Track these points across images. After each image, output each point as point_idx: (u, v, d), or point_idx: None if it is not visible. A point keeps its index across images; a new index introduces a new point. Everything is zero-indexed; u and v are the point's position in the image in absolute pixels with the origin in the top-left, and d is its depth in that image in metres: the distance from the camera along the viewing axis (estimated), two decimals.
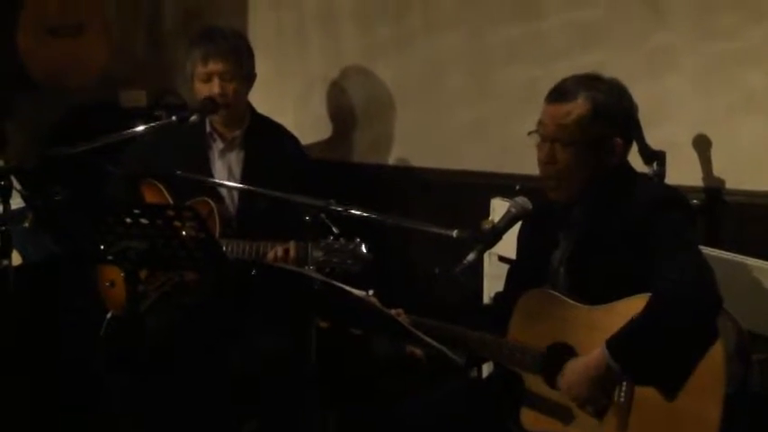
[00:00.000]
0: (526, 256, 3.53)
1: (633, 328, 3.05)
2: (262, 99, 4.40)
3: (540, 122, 3.31)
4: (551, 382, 3.23)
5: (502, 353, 3.32)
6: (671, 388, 3.04)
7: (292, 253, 3.89)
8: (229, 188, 4.16)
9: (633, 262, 3.16)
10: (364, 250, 3.66)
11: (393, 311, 3.38)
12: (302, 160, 4.36)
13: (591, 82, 3.28)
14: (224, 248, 3.91)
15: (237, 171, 4.28)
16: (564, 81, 3.32)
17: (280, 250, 3.91)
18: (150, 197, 4.20)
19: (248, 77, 4.27)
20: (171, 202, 4.14)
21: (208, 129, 4.27)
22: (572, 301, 3.26)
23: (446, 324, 3.36)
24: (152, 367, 3.92)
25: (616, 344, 3.06)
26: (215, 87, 4.15)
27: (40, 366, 4.53)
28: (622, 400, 3.10)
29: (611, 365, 3.06)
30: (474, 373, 3.81)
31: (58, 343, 4.70)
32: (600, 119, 3.24)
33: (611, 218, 3.25)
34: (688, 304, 3.02)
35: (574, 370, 3.14)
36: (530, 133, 3.32)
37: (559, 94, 3.28)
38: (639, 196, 3.24)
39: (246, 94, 4.30)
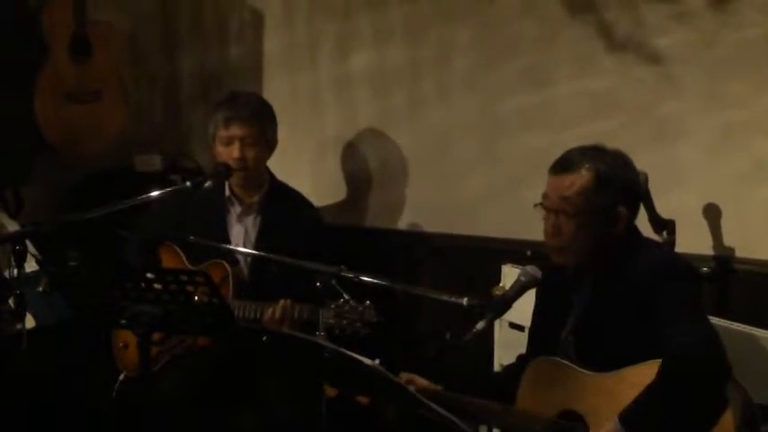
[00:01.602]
0: (540, 322, 3.54)
1: (645, 401, 3.03)
2: (276, 162, 4.42)
3: (545, 195, 3.32)
4: None
5: (511, 422, 3.32)
6: None
7: (281, 313, 3.91)
8: (243, 254, 4.18)
9: (640, 329, 3.16)
10: (374, 313, 3.67)
11: (405, 375, 3.40)
12: (318, 229, 4.38)
13: (594, 153, 3.30)
14: (236, 312, 3.94)
15: (253, 235, 4.30)
16: (567, 153, 3.34)
17: (278, 311, 3.93)
18: (167, 260, 4.23)
19: (269, 144, 4.30)
20: (187, 264, 4.17)
21: (227, 192, 4.30)
22: (579, 369, 3.26)
23: (455, 393, 3.37)
24: (163, 429, 3.93)
25: (629, 417, 3.03)
26: (234, 152, 4.18)
27: (54, 428, 4.53)
28: None
29: None
30: None
31: (71, 404, 4.70)
32: (602, 189, 3.25)
33: (618, 286, 3.25)
34: (697, 371, 3.01)
35: None
36: (535, 206, 3.34)
37: (562, 165, 3.30)
38: (645, 264, 3.24)
39: (266, 160, 4.34)
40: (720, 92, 4.14)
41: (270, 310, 3.94)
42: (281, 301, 3.93)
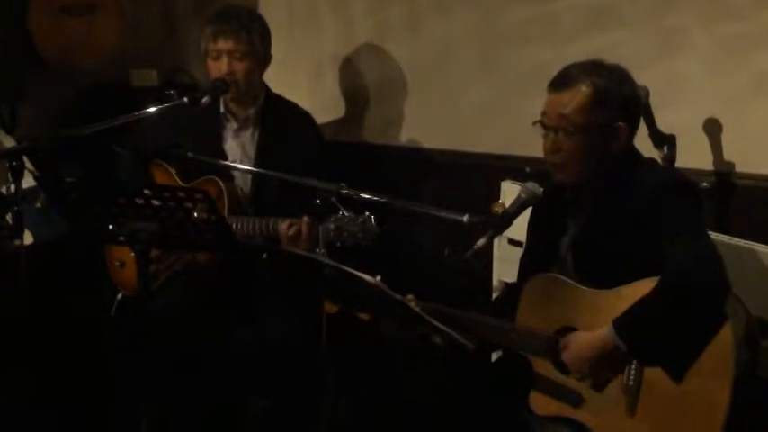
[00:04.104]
0: (536, 241, 3.53)
1: (641, 310, 3.05)
2: (273, 79, 4.40)
3: (544, 112, 3.31)
4: (560, 367, 3.24)
5: (510, 337, 3.34)
6: (679, 371, 3.04)
7: (305, 230, 3.89)
8: (240, 170, 4.16)
9: (639, 247, 3.16)
10: (374, 224, 3.67)
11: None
12: (316, 140, 4.36)
13: (592, 68, 3.28)
14: (234, 226, 3.93)
15: (251, 150, 4.29)
16: (565, 69, 3.31)
17: (293, 229, 3.91)
18: (159, 177, 4.21)
19: (261, 57, 4.26)
20: (178, 182, 4.16)
21: (222, 108, 4.28)
22: (579, 286, 3.27)
23: (455, 309, 3.37)
24: (162, 347, 3.94)
25: (623, 324, 3.05)
26: (223, 66, 4.16)
27: (51, 345, 4.54)
28: (631, 383, 3.11)
29: (617, 345, 3.06)
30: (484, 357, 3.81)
31: (68, 322, 4.72)
32: (601, 105, 3.24)
33: (617, 203, 3.25)
34: (696, 288, 3.01)
35: (579, 344, 3.15)
36: (534, 123, 3.32)
37: (560, 82, 3.28)
38: (645, 181, 3.24)
39: (260, 74, 4.30)
40: (722, 5, 4.07)
41: (286, 224, 3.92)
42: (304, 218, 3.90)
